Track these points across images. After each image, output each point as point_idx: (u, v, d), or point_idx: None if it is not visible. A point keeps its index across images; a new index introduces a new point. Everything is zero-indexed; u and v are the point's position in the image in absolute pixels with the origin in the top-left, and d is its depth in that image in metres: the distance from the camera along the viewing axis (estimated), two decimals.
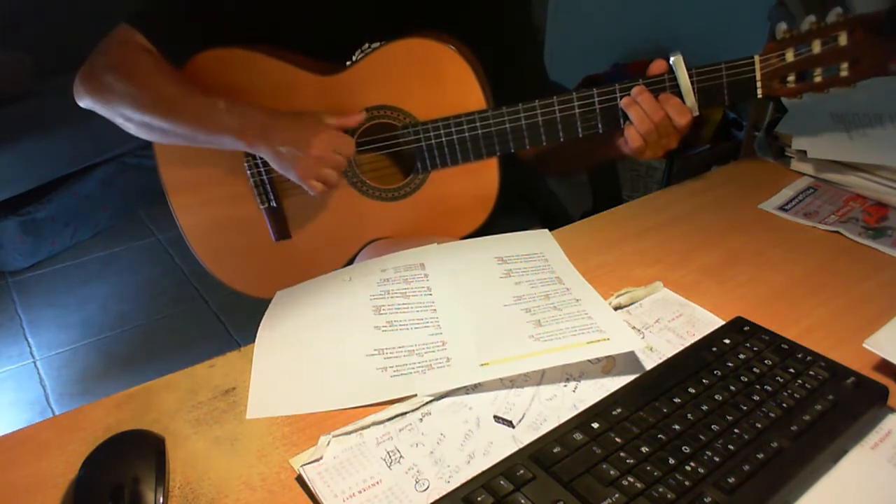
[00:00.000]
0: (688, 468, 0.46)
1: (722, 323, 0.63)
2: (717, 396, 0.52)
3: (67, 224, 2.41)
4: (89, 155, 2.46)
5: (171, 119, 0.80)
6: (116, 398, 0.58)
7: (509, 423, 0.53)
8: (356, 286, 0.71)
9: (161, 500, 0.47)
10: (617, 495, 0.44)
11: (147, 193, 2.65)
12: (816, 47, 0.73)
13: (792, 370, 0.55)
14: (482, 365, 0.58)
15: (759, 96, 0.76)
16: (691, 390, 0.52)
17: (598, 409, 0.51)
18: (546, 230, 0.81)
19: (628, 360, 0.59)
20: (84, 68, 0.83)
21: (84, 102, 0.85)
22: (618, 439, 0.48)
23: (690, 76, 0.75)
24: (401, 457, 0.51)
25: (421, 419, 0.54)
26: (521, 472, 0.46)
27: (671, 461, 0.46)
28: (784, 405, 0.51)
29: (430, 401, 0.56)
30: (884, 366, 0.58)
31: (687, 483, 0.45)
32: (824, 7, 0.73)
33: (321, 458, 0.50)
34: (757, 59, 0.74)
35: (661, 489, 0.44)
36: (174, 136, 0.82)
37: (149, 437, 0.52)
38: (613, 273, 0.73)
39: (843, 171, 0.89)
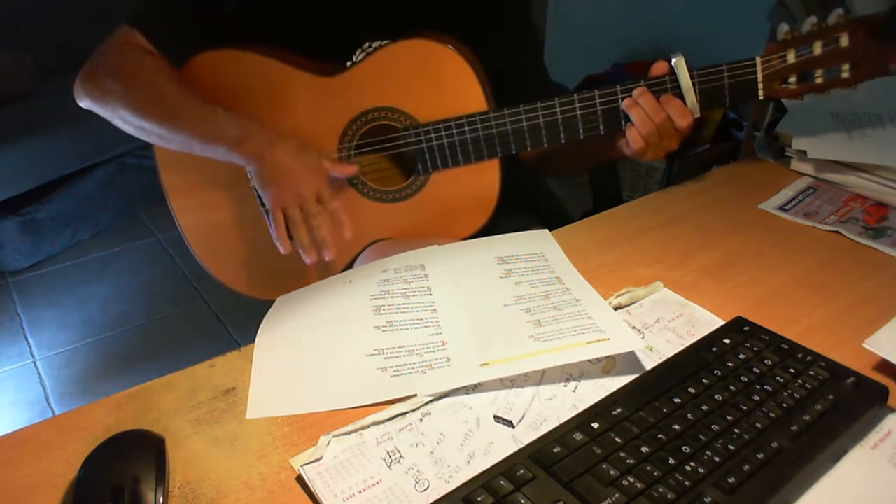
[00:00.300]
0: (688, 468, 0.46)
1: (722, 323, 0.63)
2: (717, 396, 0.52)
3: (67, 224, 2.41)
4: (89, 155, 2.46)
5: (169, 125, 0.80)
6: (116, 398, 0.58)
7: (509, 423, 0.53)
8: (356, 286, 0.71)
9: (161, 500, 0.47)
10: (617, 495, 0.44)
11: (147, 193, 2.65)
12: (818, 49, 0.73)
13: (792, 370, 0.55)
14: (482, 365, 0.58)
15: (761, 98, 0.76)
16: (691, 390, 0.52)
17: (598, 409, 0.51)
18: (546, 230, 0.81)
19: (628, 360, 0.59)
20: (84, 69, 0.83)
21: (84, 103, 0.85)
22: (618, 439, 0.48)
23: (692, 77, 0.75)
24: (401, 457, 0.51)
25: (421, 419, 0.54)
26: (521, 472, 0.46)
27: (671, 461, 0.46)
28: (784, 405, 0.51)
29: (430, 401, 0.56)
30: (884, 366, 0.58)
31: (687, 483, 0.45)
32: (825, 8, 0.73)
33: (321, 458, 0.50)
34: (758, 60, 0.74)
35: (661, 489, 0.44)
36: (171, 141, 0.82)
37: (149, 437, 0.52)
38: (613, 273, 0.73)
39: (843, 171, 0.89)
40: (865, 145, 0.87)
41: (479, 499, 0.44)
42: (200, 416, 0.56)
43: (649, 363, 0.59)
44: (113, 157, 2.54)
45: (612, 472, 0.46)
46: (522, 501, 0.44)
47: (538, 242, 0.78)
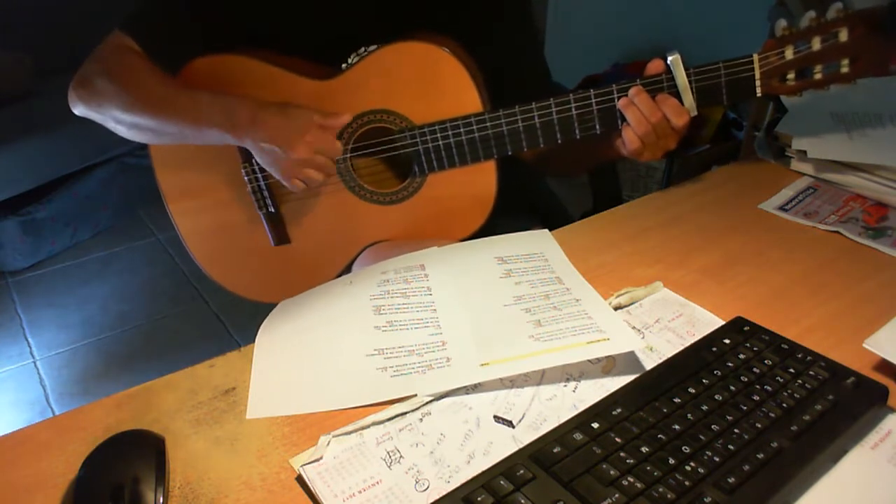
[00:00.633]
0: (688, 468, 0.46)
1: (722, 323, 0.63)
2: (717, 396, 0.52)
3: (67, 224, 2.41)
4: (89, 155, 2.46)
5: (159, 117, 0.80)
6: (116, 398, 0.58)
7: (509, 423, 0.53)
8: (356, 287, 0.71)
9: (161, 500, 0.47)
10: (617, 495, 0.44)
11: (147, 193, 2.63)
12: (816, 44, 0.73)
13: (792, 370, 0.55)
14: (482, 365, 0.58)
15: (759, 95, 0.76)
16: (691, 390, 0.52)
17: (598, 409, 0.51)
18: (546, 230, 0.81)
19: (628, 360, 0.59)
20: (76, 76, 0.83)
21: (78, 110, 0.85)
22: (618, 439, 0.48)
23: (688, 76, 0.75)
24: (401, 457, 0.51)
25: (421, 419, 0.54)
26: (521, 472, 0.46)
27: (671, 461, 0.46)
28: (784, 405, 0.51)
29: (430, 401, 0.56)
30: (884, 366, 0.58)
31: (687, 483, 0.45)
32: (824, 5, 0.72)
33: (321, 458, 0.50)
34: (756, 57, 0.74)
35: (661, 489, 0.44)
36: (163, 134, 0.82)
37: (149, 437, 0.52)
38: (613, 273, 0.73)
39: (843, 171, 0.89)
40: (865, 145, 0.87)
41: (479, 499, 0.44)
42: (200, 416, 0.56)
43: (649, 363, 0.59)
44: (113, 157, 2.54)
45: (612, 472, 0.46)
46: (522, 501, 0.44)
47: (538, 242, 0.78)
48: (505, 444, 0.51)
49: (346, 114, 0.82)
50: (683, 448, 0.47)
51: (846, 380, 0.53)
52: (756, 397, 0.52)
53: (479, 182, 0.86)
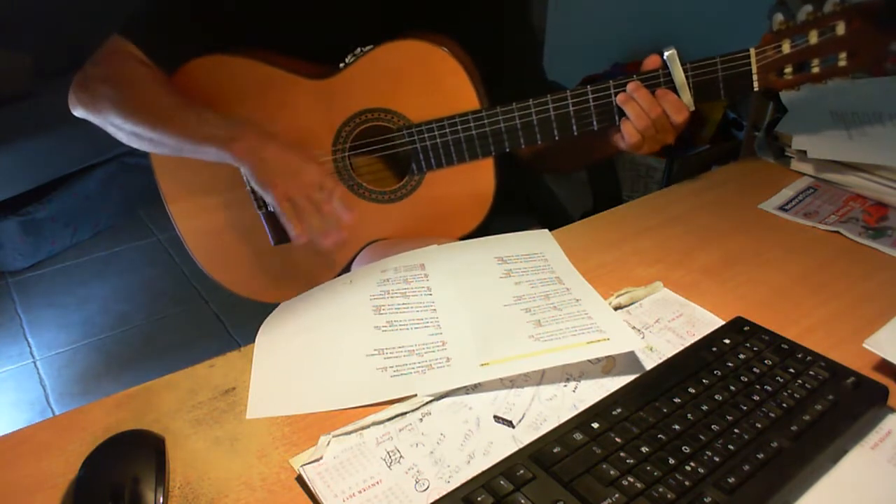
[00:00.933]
0: (688, 468, 0.46)
1: (722, 323, 0.63)
2: (717, 396, 0.52)
3: (67, 224, 2.41)
4: (89, 155, 2.46)
5: (159, 129, 0.79)
6: (116, 398, 0.58)
7: (509, 423, 0.53)
8: (356, 287, 0.71)
9: (161, 500, 0.47)
10: (617, 495, 0.44)
11: (147, 193, 2.62)
12: (814, 38, 0.72)
13: (792, 370, 0.55)
14: (482, 365, 0.58)
15: (756, 89, 0.75)
16: (691, 390, 0.52)
17: (598, 409, 0.51)
18: (546, 230, 0.81)
19: (628, 360, 0.59)
20: (77, 79, 0.83)
21: (78, 112, 0.85)
22: (618, 439, 0.48)
23: (685, 70, 0.74)
24: (401, 457, 0.51)
25: (421, 419, 0.54)
26: (521, 472, 0.46)
27: (671, 461, 0.46)
28: (784, 405, 0.51)
29: (430, 401, 0.56)
30: (884, 366, 0.58)
31: (687, 483, 0.45)
32: (821, 0, 0.72)
33: (321, 458, 0.50)
34: (753, 51, 0.74)
35: (661, 489, 0.44)
36: (162, 145, 0.81)
37: (149, 437, 0.52)
38: (613, 273, 0.73)
39: (843, 171, 0.89)
40: (865, 145, 0.87)
41: (479, 499, 0.44)
42: (200, 416, 0.56)
43: (649, 363, 0.59)
44: (113, 157, 2.54)
45: (612, 472, 0.46)
46: (522, 501, 0.44)
47: (538, 242, 0.78)
48: (505, 444, 0.51)
49: (341, 187, 0.79)
50: (683, 448, 0.47)
51: (846, 380, 0.53)
52: (756, 397, 0.52)
53: (478, 180, 0.86)
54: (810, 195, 0.88)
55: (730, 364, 0.55)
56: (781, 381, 0.53)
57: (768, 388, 0.53)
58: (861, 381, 0.53)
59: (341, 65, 0.85)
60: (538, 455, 0.47)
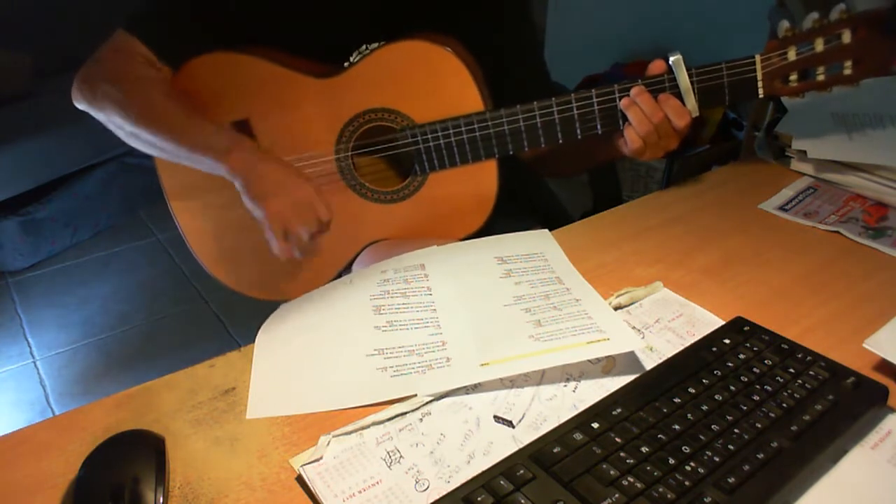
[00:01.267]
0: (688, 468, 0.46)
1: (722, 323, 0.63)
2: (717, 396, 0.52)
3: (67, 224, 2.41)
4: (89, 155, 2.46)
5: (158, 134, 0.80)
6: (116, 398, 0.58)
7: (509, 423, 0.53)
8: (356, 287, 0.71)
9: (161, 500, 0.47)
10: (617, 495, 0.44)
11: (147, 193, 2.64)
12: (819, 45, 0.73)
13: (792, 370, 0.55)
14: (482, 365, 0.58)
15: (761, 96, 0.76)
16: (691, 390, 0.52)
17: (598, 409, 0.51)
18: (546, 230, 0.81)
19: (628, 360, 0.59)
20: (81, 72, 0.83)
21: (80, 105, 0.85)
22: (618, 439, 0.48)
23: (690, 76, 0.75)
24: (401, 457, 0.51)
25: (421, 419, 0.54)
26: (521, 472, 0.46)
27: (671, 461, 0.46)
28: (784, 405, 0.51)
29: (430, 401, 0.56)
30: (884, 366, 0.58)
31: (687, 483, 0.45)
32: (825, 6, 0.72)
33: (321, 458, 0.50)
34: (758, 58, 0.74)
35: (661, 489, 0.44)
36: (159, 149, 0.81)
37: (149, 437, 0.52)
38: (613, 273, 0.73)
39: (843, 171, 0.89)
40: (865, 145, 0.87)
41: (479, 499, 0.44)
42: (200, 416, 0.56)
43: (649, 363, 0.59)
44: (113, 157, 2.54)
45: (612, 472, 0.46)
46: (522, 501, 0.44)
47: (538, 242, 0.78)
48: (505, 444, 0.51)
49: (330, 216, 0.80)
50: (683, 448, 0.47)
51: (846, 380, 0.53)
52: (756, 397, 0.52)
53: (480, 181, 0.86)
54: (810, 195, 0.88)
55: (730, 364, 0.55)
56: (781, 381, 0.53)
57: (768, 388, 0.53)
58: (861, 381, 0.53)
59: (346, 64, 0.85)
60: (538, 455, 0.47)
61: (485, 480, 0.45)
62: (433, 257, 0.75)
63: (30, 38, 2.50)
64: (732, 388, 0.53)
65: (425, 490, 0.48)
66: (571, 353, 0.57)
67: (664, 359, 0.58)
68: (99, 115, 0.84)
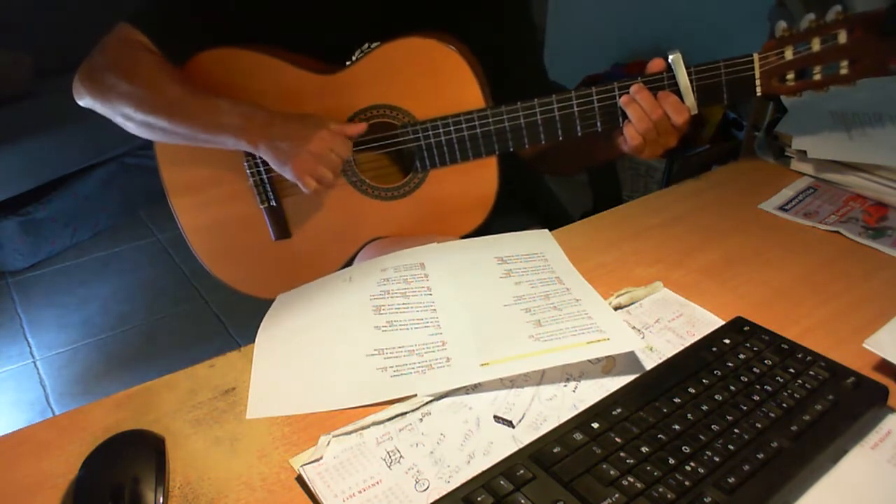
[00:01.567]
0: (688, 468, 0.46)
1: (722, 323, 0.63)
2: (717, 396, 0.52)
3: (67, 224, 2.41)
4: (89, 155, 2.46)
5: (172, 119, 0.80)
6: (116, 398, 0.58)
7: (509, 423, 0.53)
8: (356, 286, 0.71)
9: (161, 500, 0.47)
10: (617, 495, 0.44)
11: (147, 193, 2.65)
12: (816, 45, 0.73)
13: (792, 370, 0.55)
14: (482, 365, 0.58)
15: (759, 94, 0.76)
16: (691, 390, 0.52)
17: (598, 409, 0.51)
18: (546, 230, 0.81)
19: (628, 360, 0.59)
20: (83, 67, 0.83)
21: (84, 101, 0.84)
22: (618, 439, 0.48)
23: (689, 74, 0.75)
24: (401, 457, 0.51)
25: (421, 419, 0.54)
26: (521, 472, 0.46)
27: (671, 461, 0.46)
28: (784, 405, 0.51)
29: (430, 401, 0.56)
30: (884, 366, 0.58)
31: (687, 483, 0.45)
32: (824, 7, 0.73)
33: (321, 458, 0.50)
34: (756, 56, 0.74)
35: (661, 489, 0.44)
36: (175, 135, 0.82)
37: (149, 437, 0.52)
38: (613, 273, 0.73)
39: (843, 171, 0.89)
40: (865, 145, 0.87)
41: (479, 499, 0.44)
42: (200, 416, 0.56)
43: (649, 363, 0.59)
44: (113, 157, 2.54)
45: (612, 472, 0.46)
46: (522, 501, 0.44)
47: (538, 242, 0.78)
48: (505, 444, 0.51)
49: (361, 124, 0.83)
50: (683, 448, 0.47)
51: (846, 380, 0.53)
52: (756, 397, 0.52)
53: (481, 179, 0.86)
54: (810, 195, 0.88)
55: (730, 364, 0.55)
56: (781, 381, 0.53)
57: (768, 388, 0.53)
58: (861, 381, 0.53)
59: (348, 61, 0.85)
60: (538, 455, 0.47)
61: (485, 480, 0.45)
62: (433, 256, 0.75)
63: (30, 38, 2.50)
64: (732, 388, 0.53)
65: (425, 490, 0.48)
66: (571, 353, 0.57)
67: (664, 359, 0.58)
68: (105, 109, 0.83)
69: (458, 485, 0.46)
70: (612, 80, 0.78)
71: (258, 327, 0.68)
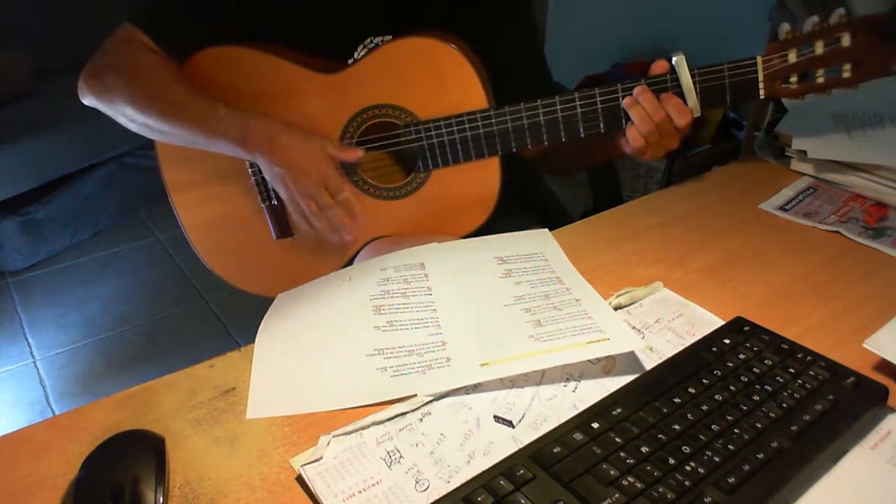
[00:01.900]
0: (688, 468, 0.46)
1: (722, 323, 0.63)
2: (717, 396, 0.52)
3: (67, 224, 2.41)
4: (89, 155, 2.46)
5: (172, 122, 0.80)
6: (116, 398, 0.58)
7: (509, 423, 0.53)
8: (356, 286, 0.71)
9: (161, 500, 0.47)
10: (617, 495, 0.44)
11: (147, 193, 2.65)
12: (819, 48, 0.73)
13: (792, 370, 0.55)
14: (482, 365, 0.58)
15: (762, 97, 0.76)
16: (691, 390, 0.52)
17: (598, 409, 0.51)
18: (546, 230, 0.81)
19: (628, 360, 0.59)
20: (88, 67, 0.84)
21: (88, 101, 0.85)
22: (618, 439, 0.48)
23: (693, 76, 0.75)
24: (401, 457, 0.51)
25: (421, 419, 0.54)
26: (521, 472, 0.46)
27: (671, 461, 0.46)
28: (784, 405, 0.51)
29: (430, 401, 0.56)
30: (884, 366, 0.58)
31: (687, 483, 0.45)
32: (825, 8, 0.73)
33: (321, 458, 0.50)
34: (759, 59, 0.74)
35: (661, 489, 0.44)
36: (174, 137, 0.82)
37: (149, 437, 0.52)
38: (613, 273, 0.73)
39: (843, 171, 0.89)
40: (865, 145, 0.87)
41: (479, 499, 0.44)
42: (200, 416, 0.56)
43: (649, 363, 0.59)
44: (113, 157, 2.54)
45: (612, 472, 0.46)
46: (522, 501, 0.44)
47: (538, 242, 0.78)
48: (505, 444, 0.51)
49: (359, 149, 0.83)
50: (683, 448, 0.47)
51: (846, 380, 0.53)
52: (756, 397, 0.52)
53: (483, 179, 0.86)
54: (810, 195, 0.88)
55: (730, 364, 0.55)
56: (781, 381, 0.53)
57: (768, 388, 0.53)
58: (861, 381, 0.53)
59: (350, 59, 0.85)
60: (538, 455, 0.47)
61: (485, 480, 0.45)
62: (433, 256, 0.75)
63: (30, 38, 2.50)
64: (732, 388, 0.53)
65: (425, 490, 0.48)
66: (571, 353, 0.57)
67: (664, 359, 0.58)
68: (107, 109, 0.84)
69: (458, 485, 0.46)
70: (613, 80, 0.78)
71: (258, 327, 0.68)
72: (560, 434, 0.49)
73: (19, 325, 2.07)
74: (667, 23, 2.28)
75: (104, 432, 0.53)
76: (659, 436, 0.48)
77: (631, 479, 0.45)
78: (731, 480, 0.45)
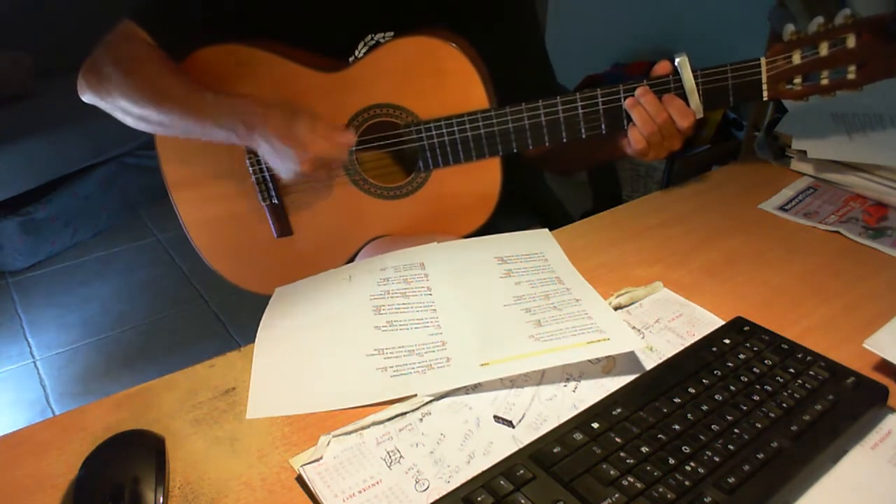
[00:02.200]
0: (688, 468, 0.46)
1: (722, 323, 0.63)
2: (717, 396, 0.52)
3: (67, 224, 2.41)
4: (89, 155, 2.46)
5: (167, 112, 0.80)
6: (116, 398, 0.58)
7: (509, 423, 0.53)
8: (356, 286, 0.71)
9: (161, 500, 0.47)
10: (617, 495, 0.44)
11: (147, 193, 2.65)
12: (824, 49, 0.73)
13: (792, 370, 0.55)
14: (482, 365, 0.58)
15: (765, 99, 0.76)
16: (691, 390, 0.52)
17: (598, 409, 0.51)
18: (546, 230, 0.81)
19: (628, 360, 0.59)
20: (87, 63, 0.84)
21: (86, 97, 0.85)
22: (618, 439, 0.48)
23: (695, 77, 0.74)
24: (401, 457, 0.51)
25: (421, 419, 0.54)
26: (521, 472, 0.46)
27: (671, 461, 0.46)
28: (784, 405, 0.51)
29: (430, 401, 0.56)
30: (884, 366, 0.58)
31: (687, 483, 0.45)
32: (825, 8, 0.72)
33: (321, 458, 0.50)
34: (763, 60, 0.74)
35: (661, 489, 0.44)
36: (170, 129, 0.82)
37: (149, 437, 0.52)
38: (613, 273, 0.73)
39: (843, 171, 0.89)
40: (865, 145, 0.87)
41: (479, 499, 0.44)
42: (200, 416, 0.56)
43: (649, 363, 0.59)
44: (113, 157, 2.54)
45: (612, 472, 0.46)
46: (522, 501, 0.44)
47: (538, 242, 0.78)
48: (505, 444, 0.51)
49: (351, 134, 0.81)
50: (683, 448, 0.47)
51: (846, 380, 0.53)
52: (756, 397, 0.52)
53: (483, 179, 0.86)
54: (810, 195, 0.88)
55: (730, 364, 0.55)
56: (781, 381, 0.53)
57: (768, 388, 0.53)
58: (861, 381, 0.53)
59: (351, 58, 0.85)
60: (538, 455, 0.47)
61: (485, 480, 0.45)
62: (433, 256, 0.75)
63: (30, 38, 2.50)
64: (732, 388, 0.53)
65: (425, 490, 0.48)
66: (571, 353, 0.57)
67: (664, 359, 0.58)
68: (104, 103, 0.84)
69: (458, 485, 0.46)
70: (613, 80, 0.78)
71: (258, 327, 0.68)
72: (560, 434, 0.49)
73: (19, 325, 2.07)
74: (666, 22, 2.28)
75: (104, 432, 0.53)
76: (659, 436, 0.48)
77: (631, 479, 0.45)
78: (732, 480, 0.45)
